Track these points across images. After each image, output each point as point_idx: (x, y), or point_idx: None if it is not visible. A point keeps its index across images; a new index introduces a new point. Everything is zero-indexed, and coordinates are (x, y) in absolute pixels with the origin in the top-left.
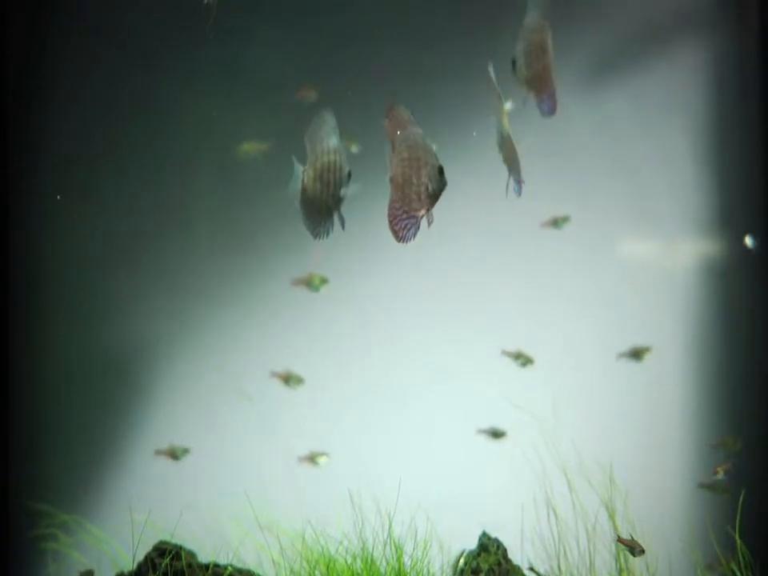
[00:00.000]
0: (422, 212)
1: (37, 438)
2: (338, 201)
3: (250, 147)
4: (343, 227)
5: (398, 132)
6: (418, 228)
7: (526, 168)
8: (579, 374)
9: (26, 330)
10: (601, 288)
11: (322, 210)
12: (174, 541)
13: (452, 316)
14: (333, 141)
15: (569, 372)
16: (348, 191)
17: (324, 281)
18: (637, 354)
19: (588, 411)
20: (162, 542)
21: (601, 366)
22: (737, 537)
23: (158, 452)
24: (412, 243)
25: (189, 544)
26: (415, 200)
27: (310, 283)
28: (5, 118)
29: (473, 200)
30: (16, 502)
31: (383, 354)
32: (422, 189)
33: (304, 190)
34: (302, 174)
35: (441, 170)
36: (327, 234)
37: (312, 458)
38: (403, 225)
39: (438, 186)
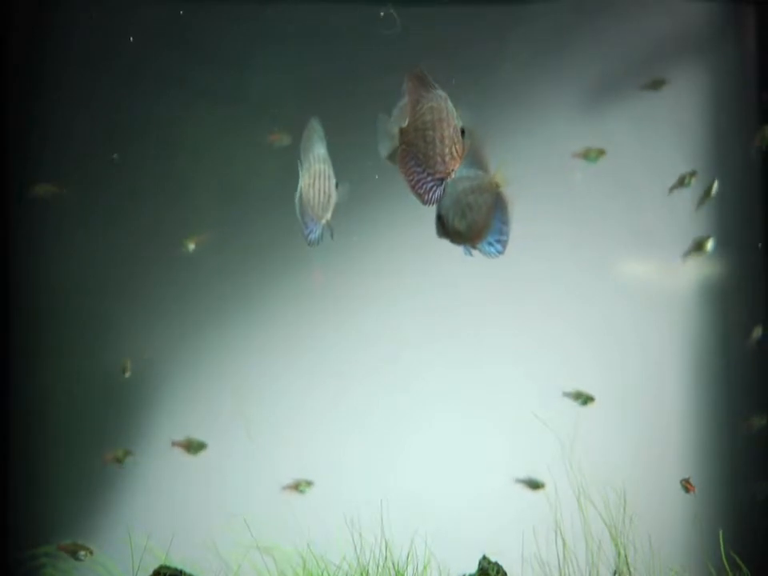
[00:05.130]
0: (446, 173)
1: (36, 461)
2: (326, 209)
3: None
4: (332, 236)
5: (422, 94)
6: (444, 191)
7: (523, 189)
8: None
9: (26, 354)
10: (600, 308)
11: (315, 216)
12: (174, 565)
13: (450, 338)
14: (321, 150)
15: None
16: (335, 201)
17: (202, 446)
18: (700, 246)
19: (586, 432)
20: (162, 567)
21: (600, 385)
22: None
23: (106, 457)
24: (410, 266)
25: (189, 569)
26: (440, 162)
27: (189, 447)
28: (4, 139)
29: None
30: (15, 537)
31: (383, 378)
32: (446, 151)
33: (301, 196)
34: (300, 180)
35: (463, 132)
36: (318, 242)
37: (296, 486)
38: (428, 188)
39: (462, 147)
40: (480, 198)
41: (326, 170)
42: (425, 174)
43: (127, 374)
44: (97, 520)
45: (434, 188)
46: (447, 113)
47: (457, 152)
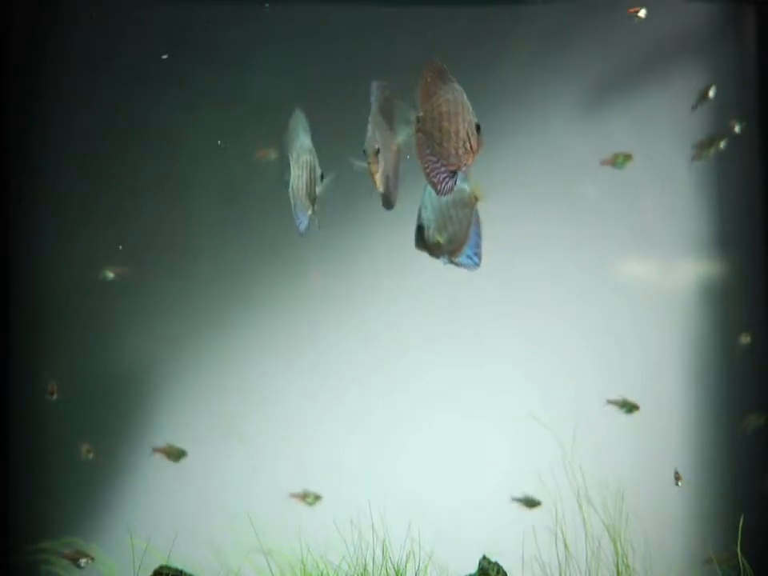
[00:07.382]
0: (459, 166)
1: (36, 461)
2: (313, 200)
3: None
4: (319, 227)
5: (438, 86)
6: (455, 183)
7: (523, 189)
8: (577, 395)
9: (26, 354)
10: (600, 308)
11: (304, 207)
12: (175, 565)
13: (450, 338)
14: (306, 140)
15: (567, 394)
16: (320, 191)
17: (182, 453)
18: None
19: (586, 432)
20: (163, 567)
21: (600, 385)
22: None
23: (86, 448)
24: (410, 266)
25: (189, 569)
26: (453, 155)
27: (170, 454)
28: (4, 139)
29: None
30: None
31: (383, 378)
32: (461, 144)
33: (291, 187)
34: (291, 171)
35: (478, 127)
36: (307, 233)
37: (304, 497)
38: (442, 178)
39: (476, 142)
40: (461, 212)
41: (312, 161)
42: (439, 164)
43: (54, 397)
44: (97, 520)
45: (447, 179)
46: (463, 107)
47: (471, 146)
